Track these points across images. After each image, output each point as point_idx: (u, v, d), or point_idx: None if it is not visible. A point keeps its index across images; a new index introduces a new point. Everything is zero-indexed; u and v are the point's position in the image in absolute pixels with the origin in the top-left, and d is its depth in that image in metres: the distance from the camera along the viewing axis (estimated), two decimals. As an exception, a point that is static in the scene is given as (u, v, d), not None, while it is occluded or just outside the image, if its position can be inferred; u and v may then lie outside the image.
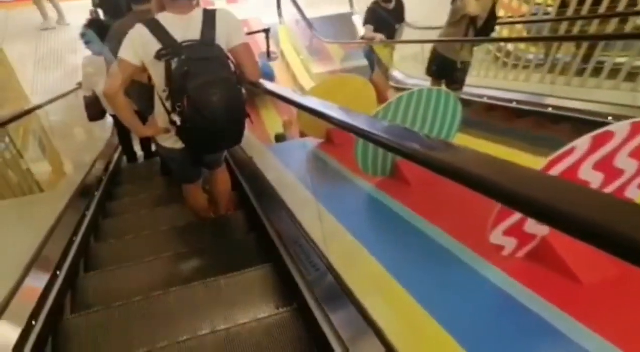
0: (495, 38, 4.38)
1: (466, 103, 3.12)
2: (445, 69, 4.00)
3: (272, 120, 6.61)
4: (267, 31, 7.07)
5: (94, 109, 3.50)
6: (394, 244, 1.98)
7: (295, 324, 1.62)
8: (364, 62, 7.11)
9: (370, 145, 2.29)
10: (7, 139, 3.00)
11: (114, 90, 1.77)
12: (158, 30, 1.72)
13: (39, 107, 3.43)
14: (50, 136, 3.93)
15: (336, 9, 8.41)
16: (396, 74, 6.16)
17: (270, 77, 6.64)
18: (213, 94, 1.71)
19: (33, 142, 3.68)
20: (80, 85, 3.78)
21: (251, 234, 2.39)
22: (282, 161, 3.22)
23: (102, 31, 2.91)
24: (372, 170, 2.48)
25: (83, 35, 3.33)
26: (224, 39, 1.81)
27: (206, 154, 2.20)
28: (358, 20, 7.84)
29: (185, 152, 2.03)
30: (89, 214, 2.79)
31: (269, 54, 7.38)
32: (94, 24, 3.31)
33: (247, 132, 3.12)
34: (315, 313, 1.48)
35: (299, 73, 7.58)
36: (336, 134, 3.31)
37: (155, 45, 1.70)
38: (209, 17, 1.78)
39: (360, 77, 3.62)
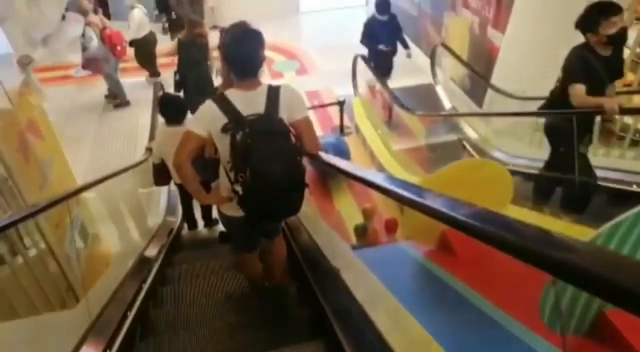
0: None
1: None
2: None
3: (349, 208, 6.09)
4: (341, 104, 7.24)
5: (161, 176, 4.04)
6: None
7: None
8: (449, 138, 6.81)
9: (570, 291, 1.60)
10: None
11: (182, 160, 2.14)
12: (225, 105, 2.10)
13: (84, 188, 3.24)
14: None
15: (413, 81, 8.36)
16: (497, 153, 5.68)
17: (345, 154, 6.43)
18: (274, 165, 1.99)
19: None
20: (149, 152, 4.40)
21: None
22: (382, 279, 2.18)
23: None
24: (560, 324, 1.70)
25: None
26: (286, 113, 2.16)
27: (265, 223, 2.47)
28: (442, 91, 7.93)
29: (246, 221, 2.32)
30: (148, 281, 3.18)
31: (342, 128, 7.43)
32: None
33: (330, 231, 3.11)
34: None
35: (377, 149, 7.33)
36: (460, 242, 2.50)
37: (222, 119, 2.07)
38: (273, 92, 2.15)
39: (495, 163, 3.18)
